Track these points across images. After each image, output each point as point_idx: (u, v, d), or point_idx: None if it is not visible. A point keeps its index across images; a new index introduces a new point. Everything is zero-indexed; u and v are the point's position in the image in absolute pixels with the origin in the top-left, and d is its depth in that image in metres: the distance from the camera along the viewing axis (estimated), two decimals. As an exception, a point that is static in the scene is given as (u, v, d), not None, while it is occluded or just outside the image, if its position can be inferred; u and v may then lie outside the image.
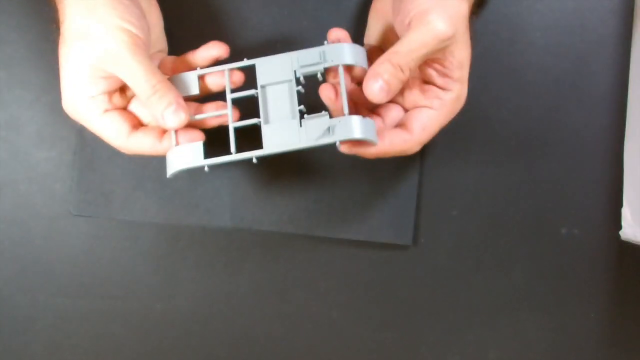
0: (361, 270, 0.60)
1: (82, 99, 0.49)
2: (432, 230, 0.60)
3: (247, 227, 0.59)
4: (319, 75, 0.50)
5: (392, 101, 0.52)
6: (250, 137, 0.50)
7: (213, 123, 0.52)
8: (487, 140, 0.60)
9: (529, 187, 0.60)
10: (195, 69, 0.52)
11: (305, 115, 0.50)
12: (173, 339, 0.60)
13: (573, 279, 0.60)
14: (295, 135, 0.49)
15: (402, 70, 0.48)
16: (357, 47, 0.50)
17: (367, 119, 0.49)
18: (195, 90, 0.51)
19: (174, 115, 0.49)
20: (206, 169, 0.49)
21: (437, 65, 0.50)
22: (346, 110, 0.49)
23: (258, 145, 0.50)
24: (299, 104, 0.50)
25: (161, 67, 0.53)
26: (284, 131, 0.50)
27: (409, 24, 0.48)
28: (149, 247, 0.60)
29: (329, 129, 0.49)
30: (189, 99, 0.52)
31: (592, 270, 0.60)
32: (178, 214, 0.59)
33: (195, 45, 0.53)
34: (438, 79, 0.50)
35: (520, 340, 0.60)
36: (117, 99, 0.51)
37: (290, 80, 0.50)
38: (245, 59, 0.51)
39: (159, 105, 0.48)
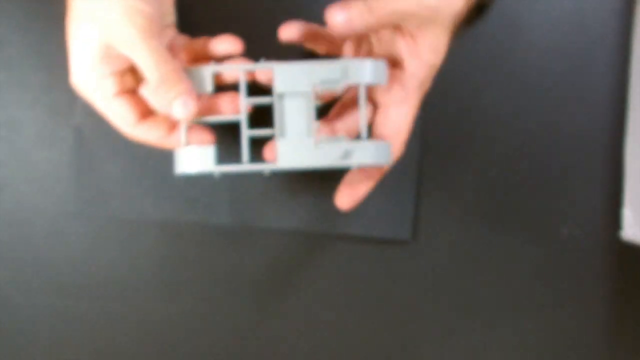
0: (361, 269, 0.60)
1: (92, 79, 0.48)
2: (432, 230, 0.60)
3: (247, 223, 0.59)
4: (338, 91, 0.50)
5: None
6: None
7: (226, 114, 0.51)
8: (487, 140, 0.60)
9: (529, 187, 0.60)
10: (208, 61, 0.51)
11: (322, 135, 0.49)
12: (173, 339, 0.60)
13: (573, 279, 0.60)
14: (310, 154, 0.49)
15: (371, 12, 0.47)
16: (380, 63, 0.49)
17: (382, 143, 0.49)
18: (209, 87, 0.50)
19: (183, 106, 0.47)
20: (216, 175, 0.49)
21: (409, 39, 0.49)
22: (364, 134, 0.49)
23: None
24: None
25: (172, 48, 0.51)
26: (299, 148, 0.49)
27: None
28: (149, 247, 0.60)
29: (345, 152, 0.48)
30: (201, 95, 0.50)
31: (592, 270, 0.60)
32: (177, 211, 0.59)
33: (197, 27, 0.52)
34: (407, 56, 0.49)
35: (520, 340, 0.60)
36: (129, 79, 0.49)
37: (309, 94, 0.49)
38: (262, 59, 0.50)
39: (168, 94, 0.47)
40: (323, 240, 0.60)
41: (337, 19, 0.47)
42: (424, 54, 0.49)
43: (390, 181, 0.59)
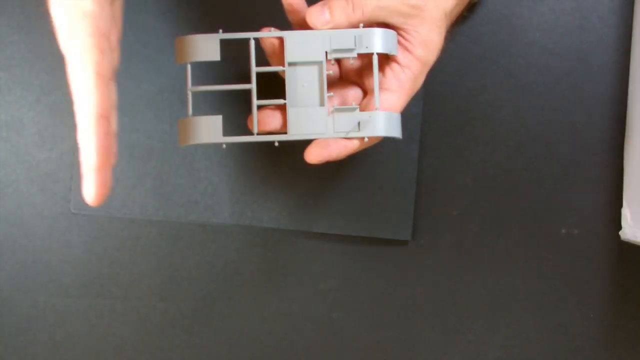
0: (361, 269, 0.60)
1: None
2: (432, 230, 0.60)
3: (247, 223, 0.59)
4: (351, 61, 0.49)
5: (351, 82, 0.51)
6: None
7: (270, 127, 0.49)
8: (487, 140, 0.60)
9: (528, 187, 0.60)
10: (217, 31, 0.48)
11: (335, 105, 0.48)
12: (173, 338, 0.60)
13: (573, 279, 0.60)
14: (322, 124, 0.48)
15: (353, 9, 0.47)
16: (390, 32, 0.48)
17: (394, 115, 0.48)
18: (216, 56, 0.48)
19: None
20: (224, 146, 0.47)
21: (398, 35, 0.49)
22: (377, 104, 0.48)
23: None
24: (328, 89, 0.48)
25: None
26: (310, 118, 0.48)
27: None
28: (149, 247, 0.60)
29: (359, 123, 0.48)
30: (209, 64, 0.48)
31: (592, 270, 0.60)
32: (177, 211, 0.59)
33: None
34: (399, 53, 0.49)
35: (520, 340, 0.60)
36: None
37: (321, 62, 0.48)
38: (272, 29, 0.49)
39: None
40: (323, 241, 0.60)
41: (318, 18, 0.47)
42: (415, 49, 0.49)
43: (390, 181, 0.59)
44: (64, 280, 0.60)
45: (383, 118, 0.48)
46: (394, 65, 0.49)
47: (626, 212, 0.58)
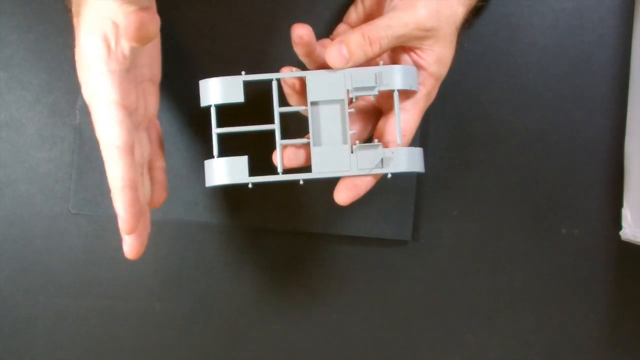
0: (361, 269, 0.60)
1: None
2: (432, 230, 0.60)
3: (246, 224, 0.59)
4: (372, 98, 0.50)
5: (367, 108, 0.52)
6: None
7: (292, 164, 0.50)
8: (487, 140, 0.60)
9: (529, 187, 0.60)
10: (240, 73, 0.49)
11: (358, 143, 0.49)
12: (173, 339, 0.60)
13: (573, 279, 0.60)
14: (345, 162, 0.48)
15: (371, 44, 0.47)
16: (410, 69, 0.49)
17: (416, 150, 0.49)
18: (240, 97, 0.49)
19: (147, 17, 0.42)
20: (250, 186, 0.49)
21: (413, 54, 0.49)
22: (399, 140, 0.49)
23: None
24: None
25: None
26: (334, 156, 0.49)
27: (395, 6, 0.48)
28: (149, 246, 0.60)
29: (382, 160, 0.48)
30: (232, 105, 0.49)
31: (592, 271, 0.60)
32: (177, 211, 0.59)
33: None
34: None
35: (520, 340, 0.60)
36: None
37: (343, 101, 0.49)
38: (294, 69, 0.49)
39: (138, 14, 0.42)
40: (323, 240, 0.60)
41: (337, 59, 0.47)
42: (430, 67, 0.49)
43: (390, 181, 0.59)
44: (63, 280, 0.60)
45: (406, 154, 0.49)
46: None
47: (626, 212, 0.58)
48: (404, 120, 0.50)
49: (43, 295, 0.59)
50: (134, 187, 0.45)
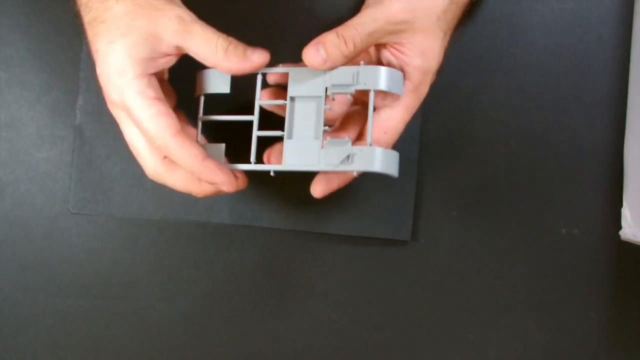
0: (361, 269, 0.60)
1: (133, 85, 0.47)
2: (432, 230, 0.60)
3: (247, 223, 0.59)
4: (349, 96, 0.50)
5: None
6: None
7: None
8: (487, 140, 0.60)
9: (528, 187, 0.60)
10: None
11: (329, 138, 0.49)
12: (173, 338, 0.60)
13: (573, 279, 0.60)
14: (315, 157, 0.49)
15: (346, 43, 0.47)
16: (394, 72, 0.49)
17: (391, 151, 0.49)
18: (226, 88, 0.51)
19: (258, 54, 0.48)
20: None
21: (393, 50, 0.49)
22: (369, 139, 0.48)
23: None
24: (324, 124, 0.50)
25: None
26: (305, 150, 0.49)
27: (368, 3, 0.48)
28: (149, 246, 0.60)
29: (349, 156, 0.48)
30: (217, 95, 0.51)
31: (592, 270, 0.60)
32: (177, 211, 0.59)
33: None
34: (395, 64, 0.49)
35: (520, 340, 0.60)
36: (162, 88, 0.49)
37: (320, 97, 0.50)
38: (280, 65, 0.50)
39: (240, 50, 0.47)
40: (323, 240, 0.60)
41: (315, 59, 0.47)
42: (412, 60, 0.49)
43: (390, 181, 0.59)
44: (63, 280, 0.60)
45: (376, 153, 0.48)
46: None
47: (626, 212, 0.58)
48: (387, 117, 0.49)
49: (43, 295, 0.59)
50: (207, 156, 0.48)
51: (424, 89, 0.50)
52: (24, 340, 0.60)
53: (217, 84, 0.51)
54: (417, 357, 0.60)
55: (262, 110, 0.51)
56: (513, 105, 0.60)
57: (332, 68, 0.48)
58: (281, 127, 0.50)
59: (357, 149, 0.48)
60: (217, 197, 0.59)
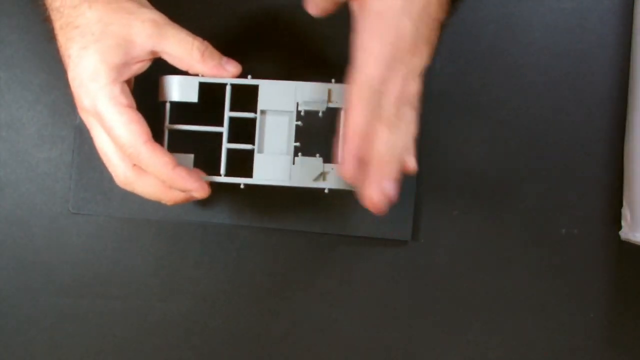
0: (361, 269, 0.60)
1: (106, 90, 0.47)
2: (432, 230, 0.60)
3: (246, 224, 0.59)
4: (320, 114, 0.50)
5: None
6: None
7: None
8: (487, 140, 0.60)
9: (528, 187, 0.60)
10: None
11: (300, 155, 0.49)
12: (173, 339, 0.60)
13: (573, 279, 0.60)
14: (286, 172, 0.50)
15: None
16: None
17: None
18: (194, 97, 0.51)
19: (232, 64, 0.49)
20: None
21: None
22: (340, 159, 0.48)
23: (248, 164, 0.50)
24: (296, 139, 0.50)
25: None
26: (275, 165, 0.50)
27: None
28: (149, 246, 0.60)
29: (321, 174, 0.49)
30: (185, 104, 0.51)
31: (592, 270, 0.60)
32: (177, 211, 0.59)
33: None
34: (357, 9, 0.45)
35: (520, 340, 0.60)
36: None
37: (292, 112, 0.50)
38: (249, 77, 0.50)
39: (216, 56, 0.48)
40: (323, 240, 0.60)
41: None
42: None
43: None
44: (63, 280, 0.60)
45: None
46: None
47: (626, 212, 0.58)
48: (360, 65, 0.44)
49: (43, 295, 0.59)
50: (177, 164, 0.48)
51: (405, 27, 0.43)
52: (24, 340, 0.60)
53: (185, 92, 0.50)
54: (417, 357, 0.60)
55: (232, 121, 0.51)
56: (513, 105, 0.60)
57: (323, 13, 0.46)
58: (251, 141, 0.50)
59: (329, 166, 0.49)
60: (218, 198, 0.59)
